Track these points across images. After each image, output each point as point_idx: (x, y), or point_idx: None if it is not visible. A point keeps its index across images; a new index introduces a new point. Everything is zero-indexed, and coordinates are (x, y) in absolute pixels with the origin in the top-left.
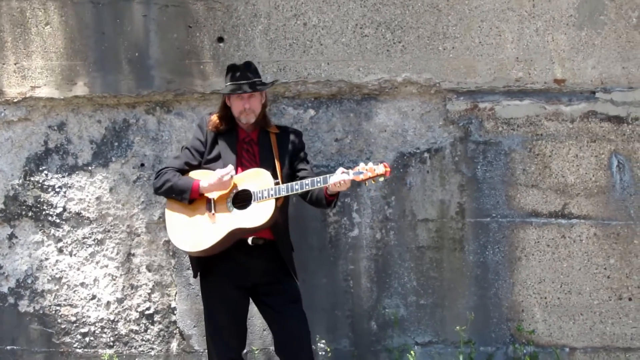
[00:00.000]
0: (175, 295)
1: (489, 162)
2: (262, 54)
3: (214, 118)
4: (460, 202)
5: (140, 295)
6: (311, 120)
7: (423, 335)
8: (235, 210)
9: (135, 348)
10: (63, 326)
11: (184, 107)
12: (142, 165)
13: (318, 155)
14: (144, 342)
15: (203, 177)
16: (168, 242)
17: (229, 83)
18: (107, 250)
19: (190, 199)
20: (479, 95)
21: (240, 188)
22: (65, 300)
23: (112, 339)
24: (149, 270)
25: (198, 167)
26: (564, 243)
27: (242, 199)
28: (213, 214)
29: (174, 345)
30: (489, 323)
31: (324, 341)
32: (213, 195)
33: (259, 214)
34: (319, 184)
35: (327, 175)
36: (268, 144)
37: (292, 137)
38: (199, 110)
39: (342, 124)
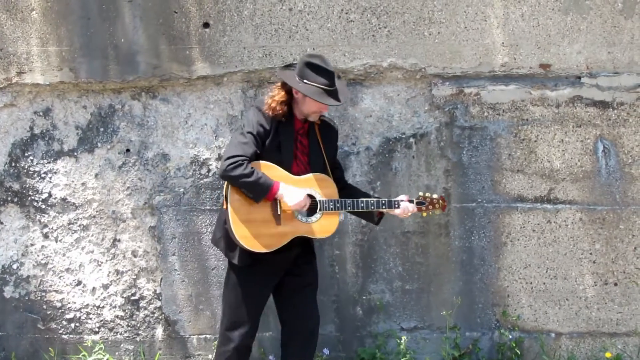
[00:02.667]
0: (160, 281)
1: (475, 147)
2: (247, 39)
3: (275, 104)
4: (446, 187)
5: (125, 281)
6: None
7: (408, 321)
8: (302, 217)
9: (120, 334)
10: (49, 312)
11: (170, 93)
12: (128, 150)
13: None
14: (129, 328)
15: (279, 181)
16: (154, 227)
17: (317, 85)
18: (92, 236)
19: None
20: (465, 80)
21: (307, 192)
22: (50, 286)
23: (97, 324)
24: (135, 256)
25: (259, 154)
26: (550, 228)
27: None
28: (279, 214)
29: (159, 331)
30: (475, 308)
31: None
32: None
33: (325, 227)
34: (384, 207)
35: (393, 200)
36: (315, 138)
37: (332, 131)
38: (184, 95)
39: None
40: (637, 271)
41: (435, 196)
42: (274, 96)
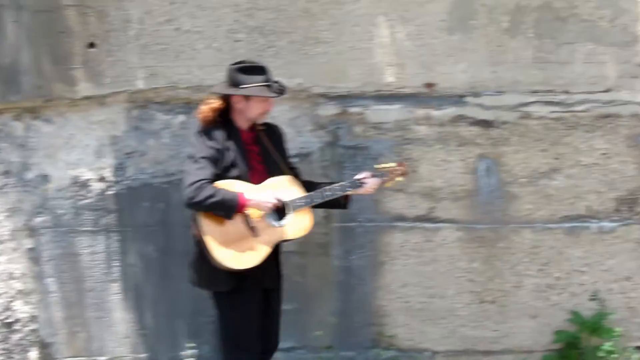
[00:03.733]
0: (36, 304)
1: (358, 166)
2: (133, 59)
3: (210, 112)
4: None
5: (1, 304)
6: (181, 126)
7: (285, 341)
8: (274, 222)
9: None
10: None
11: (53, 113)
12: (7, 172)
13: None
14: (3, 352)
15: (243, 191)
16: (32, 249)
17: (255, 85)
18: None
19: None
20: (349, 99)
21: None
22: None
23: None
24: (11, 279)
25: (218, 175)
26: (429, 247)
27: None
28: (252, 227)
29: (33, 354)
30: (352, 328)
31: (188, 349)
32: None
33: (301, 225)
34: (348, 190)
35: (355, 180)
36: (264, 144)
37: (277, 132)
38: (68, 116)
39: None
40: (514, 289)
41: (392, 164)
42: (209, 104)
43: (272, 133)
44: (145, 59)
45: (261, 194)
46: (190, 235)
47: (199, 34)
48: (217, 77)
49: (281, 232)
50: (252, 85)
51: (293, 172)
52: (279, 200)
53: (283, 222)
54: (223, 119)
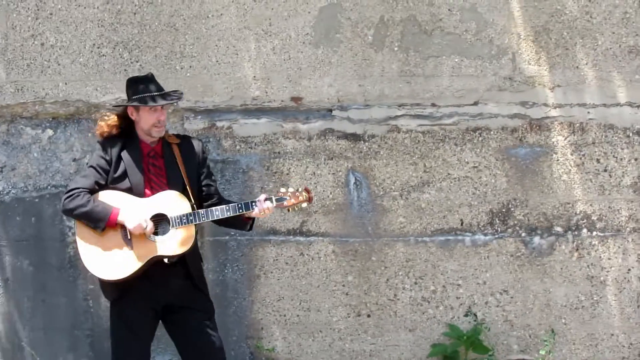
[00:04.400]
0: None
1: (227, 180)
2: None
3: (106, 127)
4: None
5: None
6: (49, 140)
7: (163, 354)
8: (153, 236)
9: None
10: None
11: None
12: None
13: (56, 175)
14: None
15: (119, 205)
16: None
17: (138, 95)
18: None
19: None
20: (217, 114)
21: (155, 212)
22: None
23: None
24: None
25: (105, 185)
26: (303, 260)
27: (157, 224)
28: (129, 239)
29: None
30: (229, 341)
31: None
32: None
33: (180, 241)
34: (240, 211)
35: (250, 202)
36: (172, 158)
37: (195, 147)
38: None
39: (80, 144)
40: (390, 302)
41: (297, 189)
42: (105, 120)
43: (186, 147)
44: (12, 74)
45: (137, 212)
46: None
47: (64, 48)
48: (84, 92)
49: (160, 246)
50: (139, 95)
51: (209, 188)
52: (161, 217)
53: (164, 237)
54: (126, 132)
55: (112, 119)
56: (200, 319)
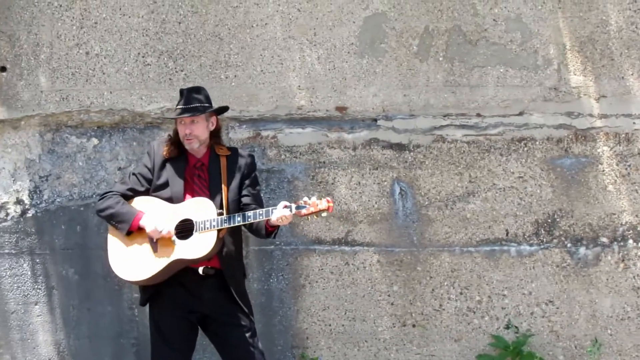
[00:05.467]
0: None
1: (272, 189)
2: (44, 83)
3: (167, 144)
4: (243, 230)
5: None
6: (94, 149)
7: None
8: (177, 240)
9: None
10: None
11: None
12: None
13: (101, 184)
14: None
15: (147, 210)
16: None
17: (175, 108)
18: None
19: (129, 231)
20: (262, 123)
21: (183, 217)
22: None
23: None
24: None
25: (145, 193)
26: (348, 270)
27: (184, 229)
28: (155, 242)
29: None
30: (274, 351)
31: None
32: None
33: (200, 246)
34: (261, 217)
35: (270, 209)
36: (217, 169)
37: (241, 160)
38: None
39: (125, 153)
40: (435, 312)
41: (316, 200)
42: (167, 140)
43: (233, 160)
44: (57, 83)
45: (162, 217)
46: None
47: (109, 57)
48: (129, 101)
49: (180, 249)
50: (175, 108)
51: (242, 199)
52: (187, 221)
53: (186, 240)
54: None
55: (170, 140)
56: (240, 333)
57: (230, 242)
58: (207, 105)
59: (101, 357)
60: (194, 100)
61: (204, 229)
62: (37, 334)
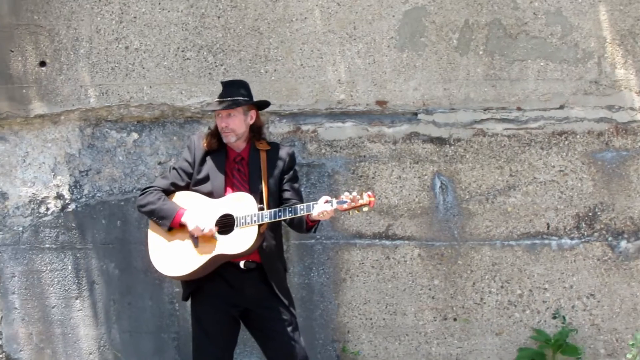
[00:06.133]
0: (0, 320)
1: (313, 184)
2: (84, 77)
3: (207, 137)
4: (284, 224)
5: None
6: (134, 144)
7: (249, 357)
8: (218, 235)
9: None
10: None
11: (7, 132)
12: None
13: (142, 179)
14: None
15: (188, 206)
16: None
17: (213, 101)
18: None
19: (170, 227)
20: (302, 117)
21: (224, 212)
22: None
23: None
24: None
25: (186, 187)
26: (389, 264)
27: (225, 224)
28: (196, 237)
29: None
30: (315, 345)
31: None
32: None
33: (241, 241)
34: (302, 212)
35: (311, 204)
36: (257, 163)
37: (281, 155)
38: (22, 134)
39: (165, 147)
40: (476, 306)
41: (357, 194)
42: (207, 134)
43: (273, 154)
44: (96, 77)
45: (203, 213)
46: None
47: (148, 52)
48: (169, 95)
49: (221, 245)
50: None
51: (282, 194)
52: (213, 229)
53: (223, 236)
54: (214, 137)
55: (211, 132)
56: (281, 327)
57: (271, 236)
58: (244, 98)
59: (142, 352)
60: (232, 93)
61: (245, 224)
62: (77, 329)
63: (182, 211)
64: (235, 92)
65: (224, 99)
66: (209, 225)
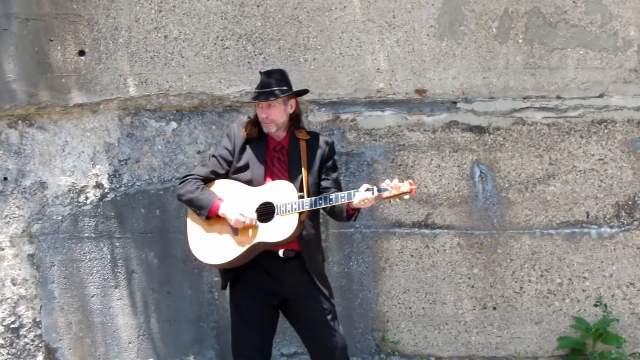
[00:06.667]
0: (40, 309)
1: (352, 172)
2: (123, 66)
3: (247, 125)
4: (323, 213)
5: (4, 309)
6: (173, 133)
7: (288, 346)
8: (258, 223)
9: None
10: None
11: (46, 121)
12: (5, 179)
13: (181, 168)
14: (9, 356)
15: (227, 195)
16: (32, 255)
17: (253, 91)
18: None
19: (207, 216)
20: (341, 106)
21: (263, 200)
22: None
23: None
24: (14, 284)
25: (225, 175)
26: (428, 253)
27: (265, 212)
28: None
29: (39, 359)
30: (354, 334)
31: (193, 355)
32: None
33: (282, 229)
34: (342, 200)
35: (352, 191)
36: (297, 152)
37: (321, 144)
38: (61, 123)
39: (204, 136)
40: (516, 295)
41: (398, 182)
42: (247, 122)
43: (313, 144)
44: (135, 67)
45: (242, 203)
46: None
47: (187, 41)
48: (208, 84)
49: (261, 233)
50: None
51: (321, 182)
52: (254, 218)
53: (263, 224)
54: (254, 126)
55: (251, 121)
56: (320, 316)
57: (310, 225)
58: (284, 88)
59: (181, 341)
60: (271, 83)
61: (285, 211)
62: (116, 318)
63: (218, 202)
64: (274, 83)
65: (264, 90)
66: (249, 215)
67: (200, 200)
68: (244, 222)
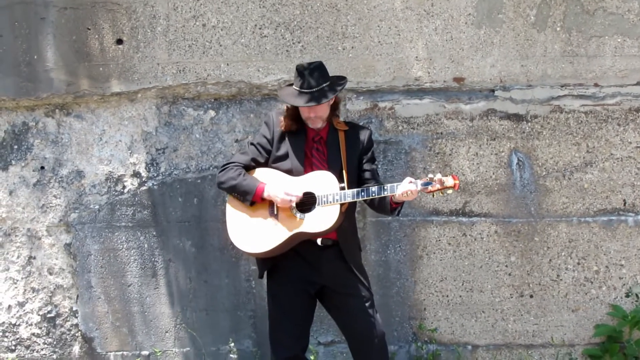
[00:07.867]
0: (77, 298)
1: (390, 161)
2: (161, 55)
3: (284, 119)
4: (361, 202)
5: (41, 299)
6: (211, 121)
7: (326, 335)
8: (298, 213)
9: (37, 351)
10: None
11: (84, 110)
12: (42, 168)
13: (218, 156)
14: (46, 346)
15: (269, 181)
16: (69, 244)
17: (295, 88)
18: (7, 253)
19: (252, 201)
20: (379, 94)
21: (305, 190)
22: None
23: (13, 342)
24: (50, 274)
25: (265, 164)
26: (465, 241)
27: (306, 202)
28: (276, 214)
29: (76, 348)
30: (391, 322)
31: (232, 343)
32: None
33: (323, 219)
34: (385, 193)
35: (395, 184)
36: (337, 143)
37: (361, 135)
38: (98, 112)
39: (242, 125)
40: (553, 283)
41: (442, 176)
42: (284, 111)
43: (352, 135)
44: (173, 55)
45: (288, 188)
46: None
47: (226, 29)
48: (246, 73)
49: (302, 223)
50: (290, 87)
51: (361, 174)
52: (300, 196)
53: (308, 214)
54: (291, 118)
55: (286, 115)
56: (358, 303)
57: (347, 214)
58: (331, 86)
59: (218, 330)
60: (317, 82)
61: (327, 202)
62: (153, 307)
63: (262, 185)
64: (320, 80)
65: (311, 91)
66: (295, 193)
67: (244, 186)
68: (290, 200)
